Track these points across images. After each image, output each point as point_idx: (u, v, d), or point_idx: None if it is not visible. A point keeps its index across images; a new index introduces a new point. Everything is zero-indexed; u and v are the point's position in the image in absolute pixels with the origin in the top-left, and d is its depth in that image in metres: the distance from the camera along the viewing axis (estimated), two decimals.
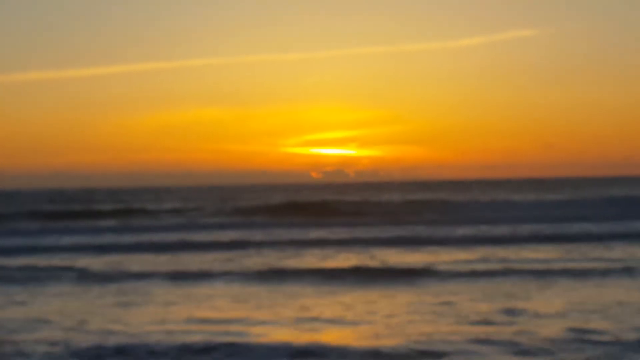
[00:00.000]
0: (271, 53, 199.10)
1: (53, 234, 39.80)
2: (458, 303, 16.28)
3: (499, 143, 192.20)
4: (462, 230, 36.91)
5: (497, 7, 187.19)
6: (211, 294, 18.40)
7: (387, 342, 12.57)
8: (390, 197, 75.13)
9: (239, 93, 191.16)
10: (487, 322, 14.08)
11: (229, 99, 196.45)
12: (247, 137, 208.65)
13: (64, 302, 17.57)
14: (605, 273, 20.53)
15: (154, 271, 22.78)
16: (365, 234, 35.92)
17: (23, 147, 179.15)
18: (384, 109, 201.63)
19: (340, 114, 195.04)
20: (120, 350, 12.23)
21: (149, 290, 19.21)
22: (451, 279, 20.13)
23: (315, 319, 14.76)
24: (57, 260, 26.33)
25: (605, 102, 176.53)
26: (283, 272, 22.00)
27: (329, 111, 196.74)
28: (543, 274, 20.68)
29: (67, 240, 35.60)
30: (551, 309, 15.34)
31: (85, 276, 21.96)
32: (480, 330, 13.38)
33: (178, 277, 21.49)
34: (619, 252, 25.90)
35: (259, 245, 31.48)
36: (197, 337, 13.17)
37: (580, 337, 12.54)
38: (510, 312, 15.04)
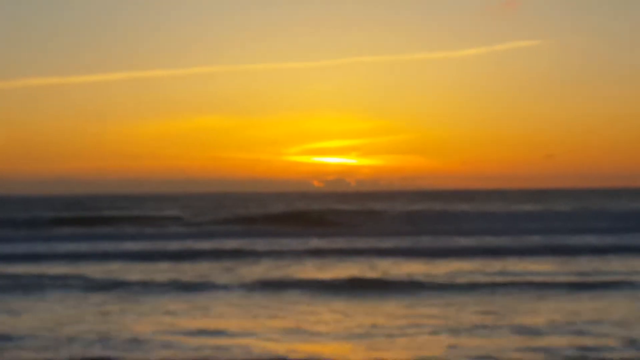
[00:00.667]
0: (273, 62, 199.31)
1: (53, 241, 39.82)
2: (455, 316, 16.30)
3: (499, 153, 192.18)
4: (461, 241, 36.97)
5: (498, 19, 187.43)
6: (207, 304, 18.43)
7: (384, 356, 12.61)
8: (391, 207, 75.17)
9: (241, 101, 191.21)
10: (483, 335, 14.12)
11: (231, 107, 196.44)
12: (249, 145, 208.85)
13: (60, 311, 17.59)
14: (599, 286, 20.54)
15: (153, 280, 22.75)
16: (365, 244, 35.93)
17: (25, 153, 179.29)
18: (385, 118, 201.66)
19: (341, 123, 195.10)
20: None
21: (146, 299, 19.26)
22: (449, 291, 20.15)
23: (310, 332, 14.79)
24: (58, 268, 26.32)
25: (605, 114, 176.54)
26: (281, 282, 21.98)
27: (331, 120, 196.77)
28: (539, 287, 20.71)
29: (67, 247, 35.58)
30: (541, 321, 15.41)
31: (84, 285, 21.90)
32: (478, 344, 13.41)
33: (177, 286, 21.47)
34: (616, 265, 25.92)
35: (259, 254, 31.43)
36: (189, 351, 13.21)
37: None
38: (500, 326, 15.08)
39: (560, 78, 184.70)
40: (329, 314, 16.89)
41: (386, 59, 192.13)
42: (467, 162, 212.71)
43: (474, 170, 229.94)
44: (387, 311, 17.17)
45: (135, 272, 25.27)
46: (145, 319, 16.43)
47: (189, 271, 25.32)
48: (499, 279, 22.37)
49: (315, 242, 37.71)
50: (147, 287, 21.45)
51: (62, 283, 22.19)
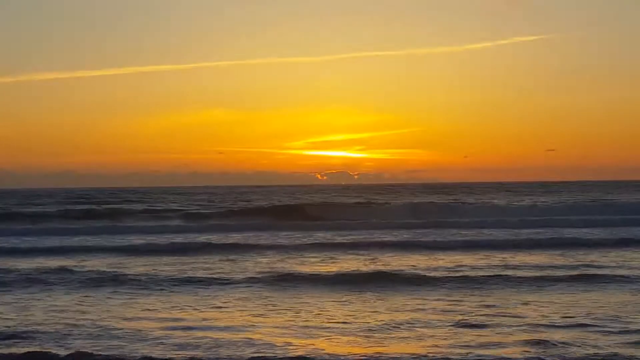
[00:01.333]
0: (278, 56, 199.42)
1: (59, 234, 39.96)
2: (458, 309, 16.45)
3: (501, 147, 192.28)
4: (464, 234, 37.10)
5: (503, 13, 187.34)
6: (211, 298, 18.59)
7: (388, 350, 12.81)
8: (394, 200, 75.30)
9: (246, 95, 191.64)
10: (485, 329, 14.34)
11: (236, 101, 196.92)
12: (254, 138, 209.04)
13: (63, 306, 17.77)
14: (595, 279, 20.65)
15: (157, 274, 22.87)
16: (368, 237, 36.07)
17: (31, 147, 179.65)
18: (389, 112, 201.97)
19: (345, 117, 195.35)
20: None
21: (151, 293, 19.44)
22: (450, 284, 20.19)
23: (314, 325, 14.94)
24: (62, 262, 26.32)
25: (607, 108, 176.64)
26: (285, 276, 21.93)
27: (335, 114, 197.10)
28: (537, 280, 20.78)
29: (72, 241, 35.72)
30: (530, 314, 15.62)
31: (87, 278, 21.96)
32: (477, 338, 13.59)
33: (181, 280, 21.57)
34: (613, 259, 26.09)
35: (262, 248, 31.54)
36: (193, 346, 13.43)
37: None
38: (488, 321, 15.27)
39: (563, 72, 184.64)
40: (335, 308, 16.97)
41: (390, 54, 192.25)
42: (470, 156, 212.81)
43: (476, 163, 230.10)
44: (392, 305, 17.27)
45: (139, 265, 25.36)
46: (150, 313, 16.57)
47: (192, 265, 25.48)
48: (500, 272, 22.44)
49: (318, 235, 37.80)
50: (151, 280, 21.47)
51: (65, 277, 22.22)
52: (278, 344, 13.18)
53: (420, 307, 16.97)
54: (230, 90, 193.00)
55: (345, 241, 34.19)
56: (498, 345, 12.97)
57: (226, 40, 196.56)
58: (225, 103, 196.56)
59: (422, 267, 24.26)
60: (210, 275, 22.54)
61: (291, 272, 22.90)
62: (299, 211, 55.51)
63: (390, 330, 14.37)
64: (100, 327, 14.90)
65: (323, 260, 26.95)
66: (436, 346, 12.92)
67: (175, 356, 12.47)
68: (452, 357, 12.16)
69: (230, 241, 34.23)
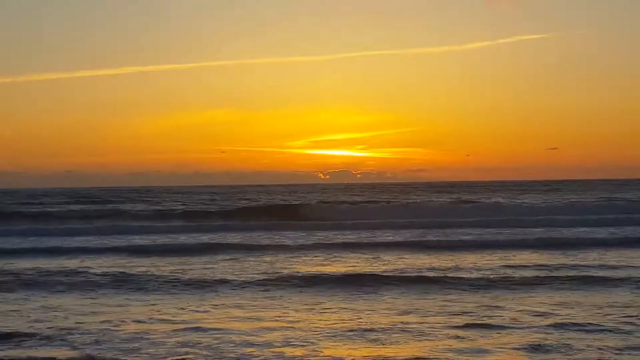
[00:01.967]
0: (280, 56, 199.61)
1: (61, 235, 39.89)
2: (456, 310, 16.36)
3: (503, 146, 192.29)
4: (465, 234, 37.05)
5: (503, 12, 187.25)
6: (213, 301, 18.56)
7: (388, 354, 12.76)
8: (395, 199, 75.24)
9: (248, 95, 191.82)
10: (484, 331, 14.25)
11: (237, 100, 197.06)
12: (255, 138, 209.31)
13: (64, 307, 17.68)
14: (591, 281, 20.48)
15: (159, 275, 22.80)
16: (369, 237, 36.05)
17: (31, 147, 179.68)
18: (390, 111, 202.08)
19: (347, 116, 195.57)
20: None
21: (152, 295, 19.39)
22: (454, 285, 20.10)
23: (321, 329, 14.84)
24: (63, 263, 26.39)
25: (609, 107, 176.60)
26: (287, 278, 21.80)
27: (337, 113, 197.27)
28: (536, 281, 20.72)
29: (74, 241, 35.60)
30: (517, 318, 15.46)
31: (89, 280, 21.88)
32: (476, 340, 13.53)
33: (183, 282, 21.50)
34: (614, 258, 25.99)
35: (263, 248, 31.44)
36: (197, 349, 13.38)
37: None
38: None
39: (564, 71, 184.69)
40: (339, 310, 16.86)
41: (391, 52, 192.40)
42: (471, 154, 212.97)
43: (478, 162, 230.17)
44: (392, 306, 17.24)
45: (140, 266, 25.31)
46: (150, 314, 16.51)
47: (193, 266, 25.42)
48: (502, 272, 22.43)
49: (320, 235, 37.75)
50: (154, 281, 21.45)
51: (68, 279, 22.16)
52: (279, 345, 13.13)
53: (419, 307, 16.91)
54: (232, 90, 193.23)
55: (347, 241, 34.08)
56: (497, 347, 12.92)
57: (228, 40, 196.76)
58: (227, 102, 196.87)
59: (425, 267, 24.19)
60: (212, 276, 22.51)
61: (293, 273, 22.76)
62: (301, 210, 55.43)
63: (391, 332, 14.31)
64: (105, 328, 14.86)
65: (325, 260, 26.87)
66: (433, 348, 12.86)
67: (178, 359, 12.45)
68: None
69: (232, 242, 34.13)
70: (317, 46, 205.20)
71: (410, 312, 16.34)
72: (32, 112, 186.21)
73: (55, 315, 16.44)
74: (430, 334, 14.05)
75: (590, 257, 26.39)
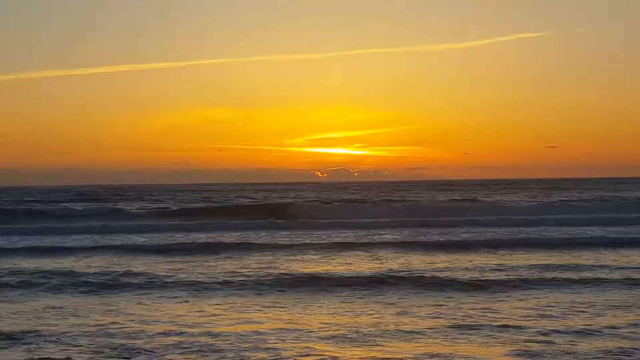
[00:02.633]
0: (278, 54, 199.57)
1: (57, 233, 39.86)
2: (448, 312, 16.36)
3: (501, 144, 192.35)
4: (462, 233, 37.06)
5: (502, 10, 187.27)
6: (205, 299, 18.57)
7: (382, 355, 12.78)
8: (393, 198, 75.18)
9: (246, 93, 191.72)
10: (473, 336, 14.27)
11: (235, 98, 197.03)
12: (253, 136, 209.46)
13: (62, 310, 17.69)
14: (580, 282, 20.33)
15: (154, 276, 22.84)
16: (368, 236, 36.02)
17: (30, 144, 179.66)
18: (389, 109, 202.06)
19: (345, 114, 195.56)
20: None
21: (146, 296, 19.35)
22: (451, 287, 19.94)
23: (315, 329, 14.87)
24: (61, 262, 26.41)
25: (609, 104, 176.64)
26: (287, 279, 21.53)
27: (335, 111, 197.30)
28: (530, 281, 20.63)
29: (71, 240, 35.60)
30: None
31: (86, 281, 21.71)
32: (465, 342, 13.57)
33: (181, 284, 21.39)
34: (609, 259, 25.91)
35: (259, 247, 31.36)
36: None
37: None
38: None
39: (563, 69, 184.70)
40: (335, 310, 16.87)
41: (390, 51, 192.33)
42: (470, 153, 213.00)
43: (476, 160, 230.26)
44: (389, 306, 17.22)
45: (134, 266, 25.26)
46: (159, 315, 16.50)
47: (192, 267, 25.41)
48: (497, 272, 22.40)
49: (318, 234, 37.71)
50: (153, 281, 21.42)
51: (66, 279, 22.10)
52: (279, 347, 13.15)
53: (412, 307, 16.92)
54: (230, 88, 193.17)
55: (345, 240, 34.04)
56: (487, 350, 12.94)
57: (226, 38, 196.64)
58: (225, 100, 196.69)
59: (423, 268, 24.12)
60: (207, 276, 22.50)
61: (292, 274, 22.52)
62: (298, 209, 55.41)
63: (384, 333, 14.35)
64: (107, 330, 14.88)
65: (326, 260, 26.77)
66: (426, 349, 12.89)
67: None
68: None
69: (227, 241, 34.12)
70: (315, 44, 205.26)
71: (404, 313, 16.34)
72: (30, 109, 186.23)
73: (51, 319, 16.42)
74: (423, 334, 14.07)
75: (584, 257, 26.39)
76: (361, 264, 25.33)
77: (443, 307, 17.07)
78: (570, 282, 20.49)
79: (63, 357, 12.62)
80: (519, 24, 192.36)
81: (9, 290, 20.35)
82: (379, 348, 13.09)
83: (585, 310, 16.39)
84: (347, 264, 25.59)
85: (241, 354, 12.74)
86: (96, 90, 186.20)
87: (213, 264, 25.90)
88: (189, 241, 33.98)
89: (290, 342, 13.52)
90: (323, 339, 13.87)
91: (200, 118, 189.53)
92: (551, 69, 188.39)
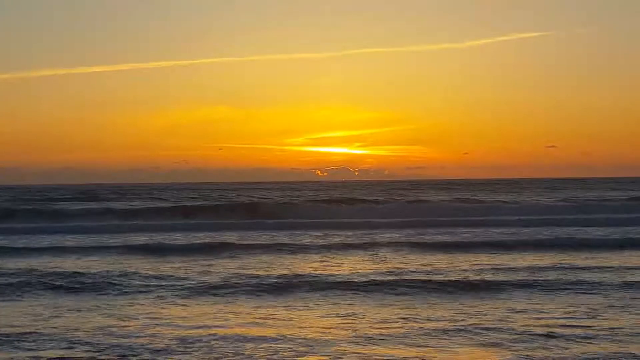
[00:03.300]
0: (278, 53, 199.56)
1: (57, 233, 39.82)
2: (438, 315, 16.34)
3: (501, 144, 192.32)
4: (462, 233, 37.02)
5: (502, 10, 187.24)
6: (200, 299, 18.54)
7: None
8: (394, 197, 75.13)
9: (246, 92, 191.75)
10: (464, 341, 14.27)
11: (236, 97, 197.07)
12: (254, 135, 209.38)
13: (63, 312, 17.63)
14: (580, 283, 20.18)
15: (159, 275, 22.71)
16: (369, 236, 35.93)
17: (30, 143, 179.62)
18: (389, 109, 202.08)
19: (345, 113, 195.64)
20: None
21: (139, 299, 19.27)
22: (454, 290, 19.68)
23: (296, 331, 14.82)
24: (59, 263, 26.33)
25: (609, 103, 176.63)
26: (287, 282, 21.08)
27: (336, 110, 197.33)
28: (520, 285, 20.22)
29: (70, 239, 35.55)
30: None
31: (84, 283, 21.59)
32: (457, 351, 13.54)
33: (179, 287, 21.23)
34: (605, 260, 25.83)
35: (260, 248, 31.19)
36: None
37: None
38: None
39: (562, 69, 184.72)
40: (328, 314, 16.75)
41: (390, 50, 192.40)
42: (470, 152, 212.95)
43: (476, 160, 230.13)
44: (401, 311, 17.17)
45: (127, 267, 25.11)
46: (163, 319, 16.45)
47: (190, 268, 25.30)
48: (492, 274, 22.27)
49: (318, 234, 37.63)
50: (144, 286, 21.12)
51: (64, 281, 21.92)
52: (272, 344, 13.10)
53: (411, 310, 16.86)
54: (230, 87, 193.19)
55: (345, 241, 33.96)
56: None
57: (226, 37, 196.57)
58: (225, 100, 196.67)
59: (424, 270, 23.93)
60: (202, 277, 22.39)
61: (292, 276, 22.27)
62: (297, 208, 55.32)
63: (373, 336, 14.29)
64: (106, 331, 14.84)
65: (327, 262, 26.49)
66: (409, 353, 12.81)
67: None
68: None
69: (228, 240, 34.01)
70: (315, 44, 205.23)
71: (390, 316, 16.27)
72: (30, 108, 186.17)
73: (51, 316, 16.43)
74: (410, 338, 14.04)
75: (580, 258, 26.34)
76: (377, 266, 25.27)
77: (444, 309, 17.03)
78: (564, 284, 20.27)
79: (63, 357, 12.60)
80: (519, 24, 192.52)
81: (5, 290, 20.29)
82: (379, 350, 13.05)
83: (574, 313, 16.30)
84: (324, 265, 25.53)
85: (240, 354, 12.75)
86: (96, 89, 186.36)
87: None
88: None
89: (288, 344, 13.48)
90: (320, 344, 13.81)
91: (201, 117, 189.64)
92: (551, 69, 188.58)
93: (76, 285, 20.93)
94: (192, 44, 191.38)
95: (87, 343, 13.87)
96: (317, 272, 23.32)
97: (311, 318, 16.18)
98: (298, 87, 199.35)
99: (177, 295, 19.38)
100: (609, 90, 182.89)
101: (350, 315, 16.40)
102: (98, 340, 14.05)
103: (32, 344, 13.86)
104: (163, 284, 21.14)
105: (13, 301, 18.79)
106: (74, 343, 13.89)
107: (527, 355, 12.61)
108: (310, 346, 13.45)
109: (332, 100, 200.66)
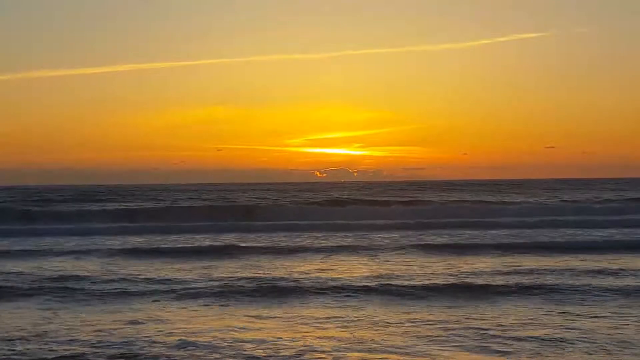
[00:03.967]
0: (278, 54, 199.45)
1: (57, 235, 39.77)
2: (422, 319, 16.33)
3: (502, 144, 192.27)
4: (461, 234, 36.97)
5: (501, 10, 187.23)
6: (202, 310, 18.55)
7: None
8: (393, 198, 75.02)
9: (245, 93, 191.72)
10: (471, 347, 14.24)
11: (235, 98, 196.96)
12: (252, 136, 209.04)
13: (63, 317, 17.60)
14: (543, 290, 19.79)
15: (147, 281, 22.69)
16: (369, 239, 35.85)
17: (29, 144, 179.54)
18: (388, 109, 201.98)
19: (345, 114, 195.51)
20: None
21: (135, 303, 19.30)
22: (455, 294, 19.47)
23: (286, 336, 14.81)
24: (58, 265, 26.33)
25: (608, 104, 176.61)
26: (286, 286, 20.78)
27: (334, 111, 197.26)
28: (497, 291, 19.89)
29: (69, 242, 35.55)
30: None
31: (86, 287, 21.59)
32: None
33: (174, 293, 21.18)
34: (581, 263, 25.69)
35: (257, 250, 31.12)
36: None
37: None
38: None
39: (562, 70, 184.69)
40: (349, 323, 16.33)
41: (389, 51, 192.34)
42: (468, 153, 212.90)
43: (475, 160, 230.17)
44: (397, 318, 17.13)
45: (126, 269, 25.15)
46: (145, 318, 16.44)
47: (185, 271, 25.25)
48: (513, 279, 21.80)
49: (317, 236, 37.58)
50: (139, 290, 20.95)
51: (62, 283, 21.93)
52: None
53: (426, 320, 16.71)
54: (229, 88, 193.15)
55: (345, 243, 33.84)
56: None
57: (226, 38, 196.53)
58: (224, 100, 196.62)
59: (426, 273, 23.83)
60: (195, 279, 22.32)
61: (292, 280, 21.89)
62: (297, 210, 55.29)
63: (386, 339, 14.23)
64: (106, 332, 14.82)
65: (331, 265, 26.30)
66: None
67: None
68: None
69: (228, 243, 34.03)
70: (314, 44, 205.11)
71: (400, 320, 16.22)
72: (30, 109, 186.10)
73: (48, 318, 16.40)
74: (410, 340, 14.00)
75: (578, 260, 26.33)
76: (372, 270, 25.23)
77: (443, 312, 16.98)
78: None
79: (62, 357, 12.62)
80: (519, 24, 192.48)
81: (3, 292, 20.26)
82: (377, 354, 13.04)
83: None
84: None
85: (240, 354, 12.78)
86: (95, 90, 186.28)
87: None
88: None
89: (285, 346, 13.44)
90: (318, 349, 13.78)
91: (200, 118, 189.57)
92: (551, 69, 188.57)
93: (75, 287, 20.93)
94: (191, 45, 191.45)
95: (85, 345, 13.93)
96: (316, 275, 23.29)
97: (310, 320, 16.16)
98: (297, 88, 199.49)
99: (176, 297, 19.38)
100: (608, 90, 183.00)
101: (350, 318, 16.39)
102: (97, 343, 14.08)
103: (31, 345, 13.88)
104: (162, 286, 21.10)
105: (10, 303, 18.79)
106: (73, 345, 13.93)
107: None
108: (310, 348, 13.44)
109: (332, 100, 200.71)
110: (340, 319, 16.41)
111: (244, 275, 23.35)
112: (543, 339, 14.04)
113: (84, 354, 13.26)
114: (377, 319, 16.37)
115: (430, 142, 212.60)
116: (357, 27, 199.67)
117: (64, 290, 20.65)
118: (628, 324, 15.47)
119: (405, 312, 17.07)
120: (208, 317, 16.72)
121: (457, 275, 22.85)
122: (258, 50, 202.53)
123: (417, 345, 13.78)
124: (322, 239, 35.99)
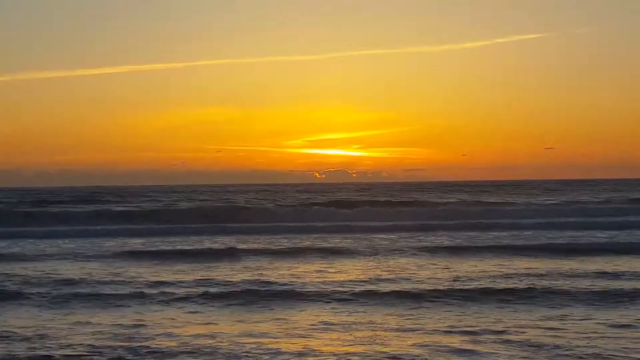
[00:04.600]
0: (276, 55, 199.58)
1: (58, 237, 39.67)
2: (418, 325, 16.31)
3: (501, 145, 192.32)
4: (461, 235, 36.91)
5: (501, 11, 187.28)
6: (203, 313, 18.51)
7: None
8: (393, 199, 74.98)
9: (244, 94, 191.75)
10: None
11: (234, 99, 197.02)
12: (251, 137, 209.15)
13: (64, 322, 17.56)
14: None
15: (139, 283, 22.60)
16: (363, 241, 35.68)
17: (29, 145, 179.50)
18: (387, 110, 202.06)
19: (344, 115, 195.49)
20: None
21: (131, 307, 19.23)
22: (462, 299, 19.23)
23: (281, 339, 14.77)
24: (60, 267, 26.31)
25: (608, 105, 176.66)
26: (289, 292, 20.26)
27: (334, 112, 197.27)
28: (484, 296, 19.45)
29: (70, 244, 35.49)
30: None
31: (86, 290, 21.51)
32: None
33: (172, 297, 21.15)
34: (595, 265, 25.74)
35: (255, 253, 31.04)
36: None
37: None
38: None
39: (562, 71, 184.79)
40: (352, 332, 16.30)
41: (388, 52, 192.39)
42: (468, 154, 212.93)
43: (474, 161, 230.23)
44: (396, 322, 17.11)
45: (126, 271, 25.08)
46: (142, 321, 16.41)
47: (179, 273, 25.25)
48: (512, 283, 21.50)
49: (316, 237, 37.48)
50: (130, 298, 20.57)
51: (62, 285, 21.83)
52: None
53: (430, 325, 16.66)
54: (228, 89, 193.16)
55: (345, 246, 33.71)
56: None
57: (225, 39, 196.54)
58: (223, 101, 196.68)
59: (428, 277, 23.80)
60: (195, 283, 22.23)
61: (294, 286, 21.37)
62: (296, 211, 55.21)
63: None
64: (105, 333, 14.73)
65: (332, 269, 26.07)
66: None
67: None
68: None
69: (227, 245, 33.93)
70: (313, 45, 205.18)
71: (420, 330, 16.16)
72: (30, 110, 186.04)
73: (50, 321, 16.33)
74: (410, 342, 13.96)
75: (576, 262, 26.23)
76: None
77: (443, 315, 16.92)
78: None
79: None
80: (518, 25, 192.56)
81: (3, 295, 20.20)
82: (377, 355, 12.99)
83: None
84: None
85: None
86: (95, 91, 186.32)
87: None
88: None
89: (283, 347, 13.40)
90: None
91: (199, 119, 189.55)
92: (551, 70, 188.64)
93: (75, 290, 20.88)
94: (190, 46, 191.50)
95: (87, 346, 13.91)
96: (316, 277, 23.24)
97: (310, 323, 16.11)
98: (296, 89, 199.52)
99: (175, 299, 19.34)
100: (608, 91, 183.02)
101: (350, 321, 16.35)
102: (98, 344, 14.05)
103: (31, 347, 13.86)
104: (162, 289, 21.04)
105: (10, 305, 18.75)
106: (74, 346, 13.90)
107: None
108: (310, 352, 13.40)
109: (331, 101, 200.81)
110: (340, 322, 16.35)
111: (244, 277, 23.28)
112: (542, 343, 13.99)
113: (82, 355, 13.24)
114: (377, 322, 16.30)
115: (430, 143, 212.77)
116: (357, 27, 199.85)
117: (63, 292, 20.58)
118: (628, 325, 15.42)
119: (406, 315, 17.02)
120: (207, 320, 16.68)
121: (456, 277, 22.76)
122: (258, 51, 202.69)
123: (417, 349, 13.72)
124: (322, 241, 35.91)
